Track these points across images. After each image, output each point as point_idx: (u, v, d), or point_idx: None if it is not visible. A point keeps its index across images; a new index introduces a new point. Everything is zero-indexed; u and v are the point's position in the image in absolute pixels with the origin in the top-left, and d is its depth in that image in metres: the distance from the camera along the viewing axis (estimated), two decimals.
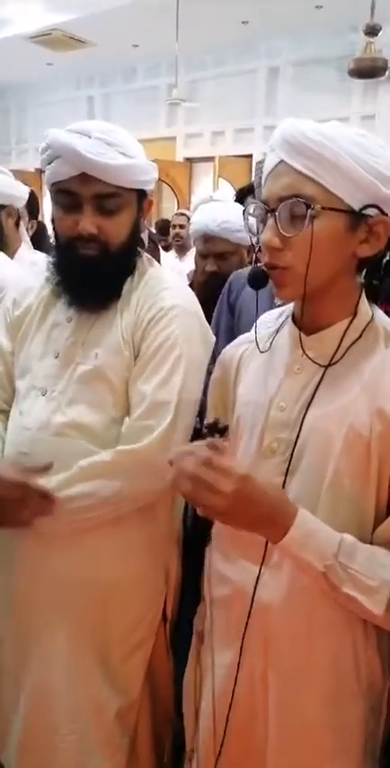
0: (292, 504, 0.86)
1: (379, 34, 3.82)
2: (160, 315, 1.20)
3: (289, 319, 1.00)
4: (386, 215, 0.86)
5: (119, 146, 1.16)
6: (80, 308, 1.24)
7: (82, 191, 1.15)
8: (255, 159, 7.57)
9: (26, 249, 1.98)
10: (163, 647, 1.35)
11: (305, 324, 0.95)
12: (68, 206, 1.17)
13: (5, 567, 1.28)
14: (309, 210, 0.84)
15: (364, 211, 0.85)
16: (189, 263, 4.30)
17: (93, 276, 1.19)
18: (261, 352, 1.01)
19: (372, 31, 3.81)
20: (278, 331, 1.02)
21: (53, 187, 1.19)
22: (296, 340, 0.95)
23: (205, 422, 0.94)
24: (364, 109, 6.50)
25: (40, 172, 9.31)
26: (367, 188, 0.84)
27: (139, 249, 1.29)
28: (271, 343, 1.01)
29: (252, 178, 8.36)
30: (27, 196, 2.01)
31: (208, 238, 2.10)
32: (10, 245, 1.97)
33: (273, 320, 1.05)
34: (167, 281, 1.29)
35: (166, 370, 1.17)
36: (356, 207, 0.85)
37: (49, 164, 1.18)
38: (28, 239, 2.08)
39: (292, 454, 0.92)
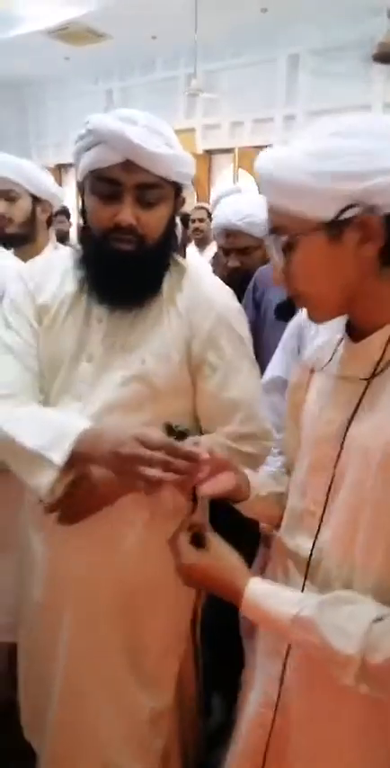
0: (241, 582, 0.88)
1: None
2: (221, 321, 1.18)
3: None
4: (372, 206, 0.78)
5: (163, 135, 1.13)
6: (112, 306, 1.18)
7: (124, 179, 1.10)
8: None
9: (51, 251, 1.97)
10: (191, 650, 1.34)
11: (354, 330, 0.91)
12: (107, 195, 1.12)
13: (34, 567, 1.27)
14: (278, 242, 0.84)
15: (342, 216, 0.78)
16: (209, 257, 4.27)
17: (128, 271, 1.13)
18: (312, 371, 0.99)
19: None
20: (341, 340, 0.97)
21: (92, 174, 1.14)
22: (344, 349, 0.93)
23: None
24: (386, 96, 6.37)
25: (61, 167, 9.35)
26: (332, 196, 0.78)
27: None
28: (334, 352, 0.96)
29: None
30: (63, 202, 2.02)
31: (230, 233, 2.05)
32: (38, 241, 1.97)
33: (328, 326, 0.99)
34: (208, 277, 1.26)
35: (246, 374, 1.20)
36: (328, 217, 0.79)
37: (87, 151, 1.13)
38: (54, 241, 2.08)
39: (335, 471, 0.89)
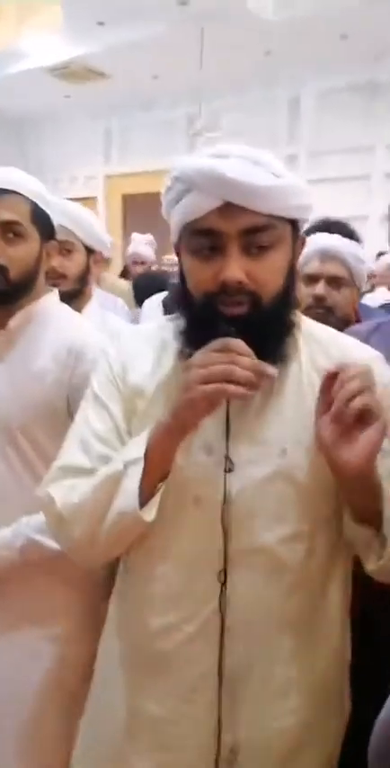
0: None
1: None
2: (387, 393, 0.94)
3: None
4: None
5: (265, 165, 0.91)
6: None
7: (225, 227, 0.89)
8: None
9: (95, 305, 1.74)
10: None
11: None
12: (207, 250, 0.91)
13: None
14: None
15: None
16: None
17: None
18: None
19: None
20: None
21: (186, 230, 0.93)
22: None
23: None
24: (388, 137, 6.39)
25: None
26: None
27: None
28: None
29: None
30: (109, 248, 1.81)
31: (324, 258, 1.70)
32: (85, 295, 1.73)
33: None
34: (340, 335, 1.05)
35: None
36: None
37: (177, 204, 0.93)
38: (95, 295, 1.85)
39: None
